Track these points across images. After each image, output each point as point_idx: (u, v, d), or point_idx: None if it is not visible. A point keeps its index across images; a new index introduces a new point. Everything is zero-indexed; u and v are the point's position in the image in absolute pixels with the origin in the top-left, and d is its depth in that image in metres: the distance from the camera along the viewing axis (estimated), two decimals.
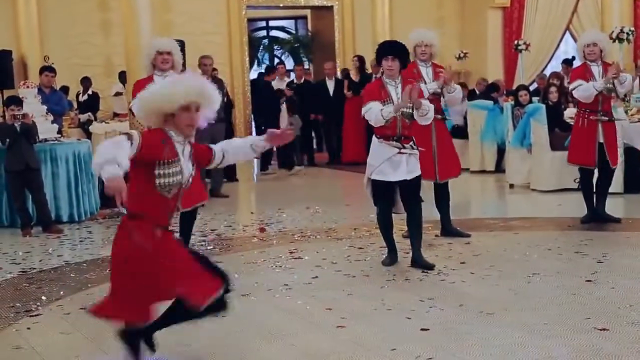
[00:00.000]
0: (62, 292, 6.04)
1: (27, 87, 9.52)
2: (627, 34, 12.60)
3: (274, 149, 13.43)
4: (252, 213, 10.02)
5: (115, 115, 14.04)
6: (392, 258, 6.56)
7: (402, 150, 6.29)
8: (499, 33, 17.61)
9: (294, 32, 20.16)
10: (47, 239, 8.27)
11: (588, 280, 5.83)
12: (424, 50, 7.30)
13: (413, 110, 6.25)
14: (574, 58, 13.89)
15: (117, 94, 14.29)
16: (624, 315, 4.97)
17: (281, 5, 17.49)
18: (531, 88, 13.71)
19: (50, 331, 5.14)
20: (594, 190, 8.01)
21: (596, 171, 7.97)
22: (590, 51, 7.73)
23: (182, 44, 8.76)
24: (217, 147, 4.37)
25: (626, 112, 10.11)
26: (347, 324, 4.99)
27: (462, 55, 16.32)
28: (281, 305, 5.51)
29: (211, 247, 7.53)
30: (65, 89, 13.22)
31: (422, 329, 4.83)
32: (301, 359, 4.46)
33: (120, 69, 13.52)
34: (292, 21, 20.46)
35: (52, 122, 9.51)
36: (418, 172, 6.40)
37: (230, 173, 11.91)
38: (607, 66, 7.72)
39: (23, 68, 14.04)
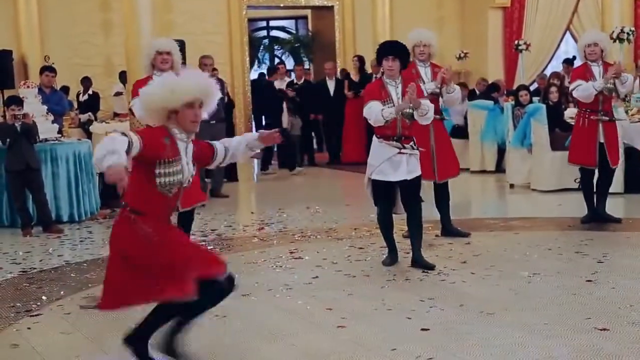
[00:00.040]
0: (62, 292, 6.04)
1: (28, 87, 9.51)
2: (628, 34, 12.60)
3: (275, 148, 13.47)
4: (252, 213, 10.03)
5: (116, 115, 14.02)
6: (392, 258, 6.56)
7: (403, 151, 6.29)
8: (500, 33, 17.60)
9: (294, 32, 20.15)
10: (47, 239, 8.27)
11: (588, 280, 5.83)
12: (423, 50, 7.31)
13: (413, 111, 6.25)
14: (574, 58, 13.90)
15: (117, 93, 14.28)
16: (625, 315, 4.97)
17: (282, 5, 17.49)
18: (531, 88, 13.72)
19: (51, 331, 5.14)
20: (594, 190, 8.01)
21: (596, 171, 7.97)
22: (591, 51, 7.73)
23: (182, 44, 8.77)
24: (218, 144, 4.37)
25: (626, 112, 10.11)
26: (348, 324, 4.99)
27: (462, 55, 16.32)
28: (281, 305, 5.51)
29: (211, 247, 7.53)
30: (65, 89, 13.22)
31: (422, 329, 4.83)
32: (301, 359, 4.46)
33: (120, 69, 13.52)
34: (293, 21, 20.46)
35: (53, 122, 9.51)
36: (418, 172, 6.40)
37: (230, 173, 11.90)
38: (608, 66, 7.72)
39: (23, 68, 14.04)
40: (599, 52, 7.75)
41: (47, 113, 9.44)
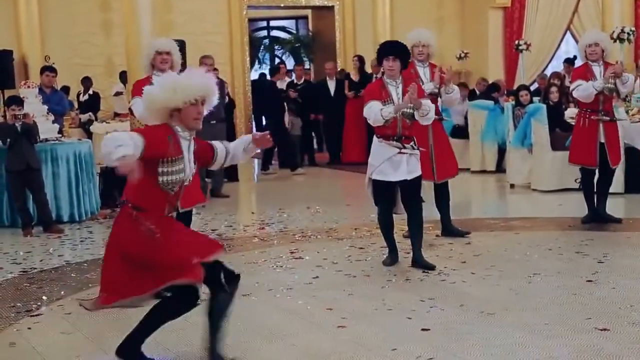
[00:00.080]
0: (62, 292, 6.04)
1: (28, 87, 9.51)
2: (628, 34, 12.59)
3: (275, 148, 13.48)
4: (253, 213, 10.03)
5: (116, 115, 14.03)
6: (392, 258, 6.56)
7: (403, 150, 6.29)
8: (500, 33, 17.60)
9: (294, 32, 20.16)
10: (47, 239, 8.27)
11: (589, 281, 5.83)
12: (422, 51, 7.31)
13: (414, 111, 6.25)
14: (575, 57, 13.89)
15: (117, 93, 14.28)
16: (625, 315, 4.97)
17: (282, 5, 17.49)
18: (532, 88, 13.73)
19: (51, 331, 5.14)
20: (595, 190, 8.01)
21: (597, 171, 7.97)
22: (592, 51, 7.73)
23: (182, 44, 8.78)
24: (219, 145, 4.38)
25: (627, 112, 10.11)
26: (348, 324, 4.99)
27: (462, 55, 16.32)
28: (282, 305, 5.51)
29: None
30: (66, 89, 13.23)
31: (422, 329, 4.83)
32: (302, 359, 4.46)
33: (121, 69, 13.52)
34: (293, 21, 20.46)
35: (53, 122, 9.51)
36: (418, 172, 6.40)
37: (231, 173, 11.90)
38: (609, 66, 7.72)
39: (24, 68, 14.04)
40: (600, 52, 7.75)
41: (47, 113, 9.44)
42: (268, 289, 5.89)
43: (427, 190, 7.31)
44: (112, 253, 4.07)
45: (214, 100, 4.11)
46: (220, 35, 16.05)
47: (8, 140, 8.47)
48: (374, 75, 13.02)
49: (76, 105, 14.02)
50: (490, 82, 13.98)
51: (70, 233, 8.61)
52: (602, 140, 7.81)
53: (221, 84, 11.46)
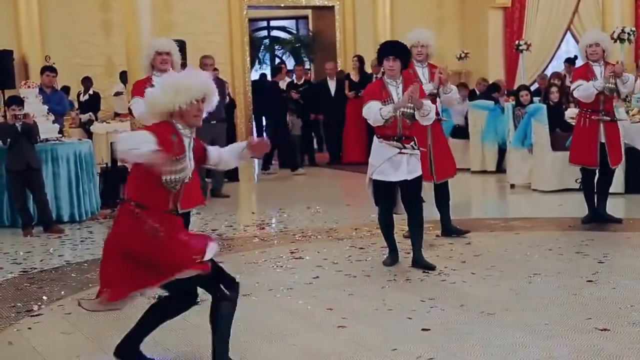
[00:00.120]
0: (63, 292, 6.05)
1: (29, 87, 9.51)
2: (629, 34, 12.59)
3: (276, 150, 13.48)
4: (253, 213, 10.03)
5: (117, 115, 14.04)
6: (393, 258, 6.56)
7: (403, 151, 6.29)
8: (500, 33, 17.59)
9: (295, 32, 20.15)
10: (48, 239, 8.27)
11: (589, 281, 5.83)
12: (420, 51, 7.30)
13: (414, 111, 6.25)
14: (576, 57, 13.89)
15: (117, 93, 14.29)
16: (625, 315, 4.97)
17: (282, 5, 17.48)
18: (532, 88, 13.73)
19: (51, 331, 5.15)
20: (595, 190, 8.01)
21: (597, 171, 7.97)
22: (593, 51, 7.73)
23: (182, 44, 8.77)
24: (213, 149, 4.37)
25: (627, 112, 10.11)
26: (348, 324, 4.99)
27: (463, 55, 16.32)
28: (282, 305, 5.51)
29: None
30: (66, 89, 13.22)
31: (423, 329, 4.83)
32: (302, 359, 4.46)
33: (121, 69, 13.52)
34: (293, 21, 20.45)
35: (53, 122, 9.51)
36: (419, 173, 6.40)
37: (231, 173, 11.90)
38: (609, 66, 7.72)
39: (24, 68, 14.04)
40: (601, 52, 7.75)
41: (47, 113, 9.44)
42: (268, 289, 5.89)
43: (427, 191, 7.30)
44: (112, 252, 4.07)
45: (214, 99, 4.12)
46: (221, 35, 16.05)
47: (8, 140, 8.47)
48: (374, 76, 13.02)
49: (76, 105, 14.02)
50: (490, 82, 13.98)
51: (71, 233, 8.61)
52: (603, 140, 7.81)
53: (222, 84, 11.50)
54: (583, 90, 7.64)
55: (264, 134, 16.70)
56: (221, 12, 16.14)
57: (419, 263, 6.37)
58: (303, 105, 13.94)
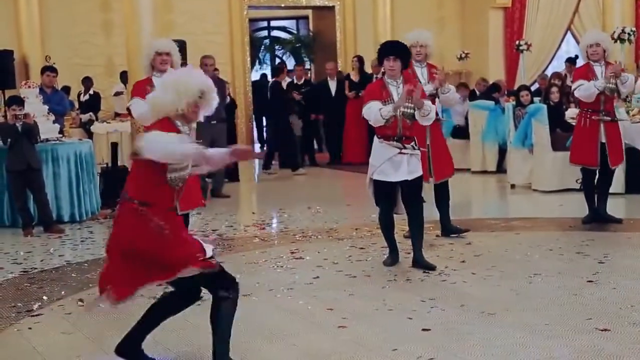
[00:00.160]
0: (63, 292, 6.04)
1: (29, 87, 9.51)
2: (629, 34, 12.60)
3: (277, 151, 13.50)
4: (253, 213, 10.03)
5: (117, 115, 14.04)
6: (393, 258, 6.56)
7: (403, 151, 6.29)
8: (500, 33, 17.60)
9: (295, 32, 20.16)
10: (48, 239, 8.26)
11: (589, 281, 5.83)
12: (419, 51, 7.29)
13: (414, 111, 6.25)
14: (577, 57, 13.90)
15: (117, 93, 14.29)
16: (626, 315, 4.97)
17: (282, 5, 17.49)
18: (532, 88, 13.73)
19: (52, 331, 5.14)
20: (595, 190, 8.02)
21: (597, 171, 7.97)
22: (594, 51, 7.73)
23: (183, 44, 8.77)
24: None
25: (627, 112, 10.11)
26: (349, 324, 4.99)
27: (463, 55, 16.32)
28: (282, 305, 5.51)
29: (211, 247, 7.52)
30: (66, 89, 13.23)
31: (423, 329, 4.83)
32: (302, 359, 4.46)
33: (121, 69, 13.52)
34: (294, 21, 20.46)
35: (54, 122, 9.50)
36: (419, 173, 6.40)
37: (232, 173, 11.90)
38: (609, 66, 7.72)
39: (24, 68, 14.05)
40: (601, 52, 7.75)
41: (48, 113, 9.44)
42: (269, 289, 5.89)
43: (428, 191, 7.30)
44: (114, 252, 4.08)
45: (214, 96, 4.12)
46: (221, 36, 16.06)
47: (9, 140, 8.47)
48: (375, 76, 13.02)
49: (77, 105, 14.03)
50: (490, 82, 13.98)
51: (71, 233, 8.61)
52: (603, 141, 7.81)
53: (222, 84, 11.50)
54: (584, 90, 7.65)
55: (264, 134, 16.72)
56: (221, 12, 16.15)
57: (420, 263, 6.37)
58: (304, 106, 13.94)
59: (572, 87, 8.04)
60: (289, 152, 13.55)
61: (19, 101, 8.61)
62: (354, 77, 14.46)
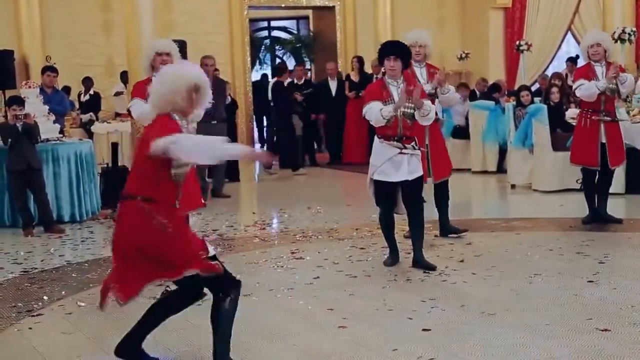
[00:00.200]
0: (63, 292, 6.04)
1: (29, 87, 9.52)
2: (629, 34, 12.60)
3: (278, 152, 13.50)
4: (253, 213, 10.03)
5: (117, 115, 14.04)
6: (393, 258, 6.56)
7: (404, 151, 6.29)
8: (501, 33, 17.60)
9: (295, 32, 20.16)
10: (48, 239, 8.27)
11: (590, 281, 5.83)
12: (418, 51, 7.29)
13: (414, 111, 6.26)
14: (578, 57, 13.90)
15: (117, 93, 14.29)
16: (626, 316, 4.96)
17: (283, 5, 17.48)
18: (533, 88, 13.72)
19: (52, 331, 5.15)
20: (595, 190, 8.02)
21: (597, 171, 7.97)
22: (594, 52, 7.74)
23: (183, 44, 8.76)
24: None
25: (628, 112, 10.11)
26: (349, 324, 4.99)
27: (463, 55, 16.31)
28: (283, 305, 5.51)
29: (212, 247, 7.52)
30: (67, 89, 13.23)
31: (423, 330, 4.83)
32: (303, 359, 4.46)
33: (121, 69, 13.52)
34: (294, 21, 20.46)
35: (54, 122, 9.51)
36: (420, 173, 6.40)
37: (232, 173, 11.91)
38: (611, 67, 7.72)
39: (25, 68, 14.05)
40: (602, 52, 7.75)
41: (48, 113, 9.44)
42: (269, 289, 5.89)
43: (428, 191, 7.30)
44: (117, 252, 4.09)
45: (208, 90, 4.12)
46: (221, 36, 16.05)
47: (9, 140, 8.47)
48: (375, 76, 13.02)
49: (77, 106, 14.03)
50: (490, 82, 13.99)
51: (71, 233, 8.61)
52: (604, 141, 7.81)
53: (223, 84, 11.49)
54: (585, 89, 7.65)
55: (265, 134, 16.71)
56: (222, 12, 16.15)
57: (420, 263, 6.37)
58: (306, 108, 13.95)
59: (573, 87, 8.04)
60: (290, 152, 13.55)
61: (19, 101, 8.61)
62: (354, 77, 14.46)
